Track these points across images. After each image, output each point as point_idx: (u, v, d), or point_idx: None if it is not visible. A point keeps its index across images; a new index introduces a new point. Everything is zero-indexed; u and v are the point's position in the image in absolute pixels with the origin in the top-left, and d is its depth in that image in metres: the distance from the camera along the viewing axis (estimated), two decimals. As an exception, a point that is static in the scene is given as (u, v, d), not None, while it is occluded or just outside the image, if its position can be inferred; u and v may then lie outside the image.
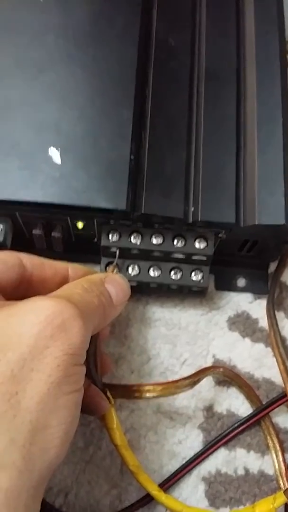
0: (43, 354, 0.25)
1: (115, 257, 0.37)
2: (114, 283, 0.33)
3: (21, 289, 0.32)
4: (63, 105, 0.36)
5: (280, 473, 0.38)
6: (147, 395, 0.35)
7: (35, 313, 0.26)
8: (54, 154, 0.35)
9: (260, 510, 0.34)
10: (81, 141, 0.35)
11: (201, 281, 0.38)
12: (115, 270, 0.37)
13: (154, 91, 0.38)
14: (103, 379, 0.35)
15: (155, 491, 0.35)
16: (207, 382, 0.39)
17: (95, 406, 0.33)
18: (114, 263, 0.37)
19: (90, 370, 0.33)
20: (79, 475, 0.37)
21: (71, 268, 0.34)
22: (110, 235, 0.36)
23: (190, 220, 0.36)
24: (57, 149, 0.35)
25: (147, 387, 0.35)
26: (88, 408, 0.33)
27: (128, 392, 0.35)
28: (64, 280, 0.33)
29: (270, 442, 0.38)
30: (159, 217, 0.36)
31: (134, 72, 0.38)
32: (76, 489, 0.36)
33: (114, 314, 0.33)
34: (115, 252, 0.37)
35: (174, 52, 0.39)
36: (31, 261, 0.32)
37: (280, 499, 0.34)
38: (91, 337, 0.32)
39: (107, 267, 0.37)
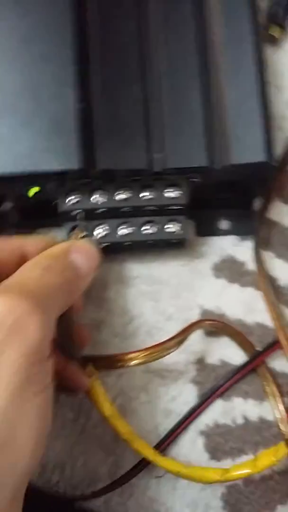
0: None
1: (79, 220, 0.33)
2: (80, 251, 0.30)
3: None
4: (-8, 53, 0.31)
5: (281, 418, 0.37)
6: (132, 363, 0.33)
7: None
8: (-11, 115, 0.30)
9: (262, 463, 0.33)
10: (18, 95, 0.31)
11: (179, 231, 0.35)
12: (81, 235, 0.33)
13: (96, 21, 0.33)
14: (84, 351, 0.34)
15: (152, 456, 0.34)
16: (196, 334, 0.37)
17: (76, 384, 0.32)
18: (78, 227, 0.33)
19: (65, 347, 0.31)
20: (72, 448, 0.36)
21: (29, 242, 0.30)
22: (69, 198, 0.33)
23: (158, 168, 0.32)
24: (-9, 109, 0.30)
25: (130, 355, 0.33)
26: (69, 387, 0.31)
27: (111, 363, 0.33)
28: (23, 258, 0.30)
29: (268, 388, 0.37)
30: (120, 171, 0.32)
31: (71, 1, 0.32)
32: (71, 462, 0.36)
33: (84, 286, 0.30)
34: (78, 215, 0.33)
35: None
36: None
37: (282, 450, 0.33)
38: (63, 314, 0.29)
39: (71, 233, 0.34)
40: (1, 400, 0.23)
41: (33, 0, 0.32)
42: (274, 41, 0.42)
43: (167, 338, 0.34)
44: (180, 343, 0.34)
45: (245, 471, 0.34)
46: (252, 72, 0.33)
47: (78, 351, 0.32)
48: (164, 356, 0.34)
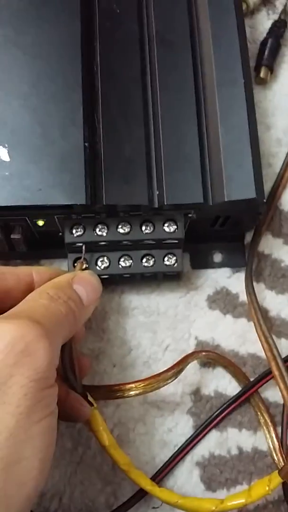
0: (8, 384, 0.24)
1: (82, 252, 0.35)
2: (83, 282, 0.31)
3: None
4: (5, 94, 0.33)
5: (274, 448, 0.37)
6: (130, 393, 0.33)
7: None
8: (1, 151, 0.32)
9: (255, 493, 0.34)
10: (29, 133, 0.33)
11: (175, 265, 0.36)
12: (83, 266, 0.35)
13: (102, 67, 0.35)
14: (83, 380, 0.34)
15: (149, 486, 0.34)
16: (191, 365, 0.38)
17: (77, 413, 0.32)
18: (81, 259, 0.35)
19: (67, 377, 0.32)
20: (71, 477, 0.36)
21: (36, 272, 0.32)
22: (74, 230, 0.34)
23: (156, 204, 0.34)
24: (3, 146, 0.32)
25: (129, 386, 0.33)
26: (70, 416, 0.32)
27: (110, 393, 0.34)
28: (30, 287, 0.31)
29: (261, 418, 0.38)
30: (123, 206, 0.33)
31: (79, 47, 0.34)
32: (69, 491, 0.36)
33: (86, 316, 0.32)
34: (81, 247, 0.35)
35: (120, 20, 0.36)
36: None
37: (275, 480, 0.34)
38: (65, 343, 0.30)
39: (75, 264, 0.35)
40: (10, 422, 0.24)
41: (46, 46, 0.34)
42: (264, 83, 0.44)
43: (165, 369, 0.34)
44: (177, 374, 0.35)
45: (240, 501, 0.34)
46: (243, 115, 0.35)
47: (80, 381, 0.33)
48: (162, 386, 0.34)
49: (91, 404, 0.33)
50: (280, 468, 0.34)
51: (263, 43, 0.45)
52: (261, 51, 0.45)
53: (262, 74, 0.44)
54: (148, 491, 0.34)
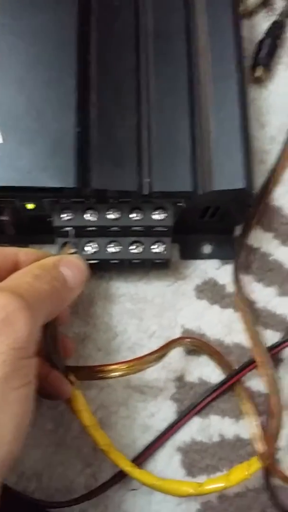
0: None
1: (70, 236, 0.36)
2: (70, 265, 0.32)
3: None
4: (1, 78, 0.34)
5: (255, 436, 0.38)
6: (112, 374, 0.34)
7: None
8: (-5, 132, 0.33)
9: (235, 478, 0.34)
10: (23, 116, 0.33)
11: (164, 252, 0.37)
12: (71, 251, 0.35)
13: (98, 55, 0.36)
14: (68, 361, 0.35)
15: (128, 467, 0.35)
16: (177, 352, 0.39)
17: (58, 391, 0.33)
18: (69, 243, 0.35)
19: (50, 355, 0.32)
20: (51, 458, 0.37)
21: (23, 252, 0.32)
22: (63, 214, 0.35)
23: (146, 191, 0.34)
24: (-3, 127, 0.33)
25: (111, 367, 0.34)
26: (51, 394, 0.32)
27: (92, 373, 0.35)
28: (16, 267, 0.32)
29: (244, 406, 0.38)
30: (112, 192, 0.34)
31: (75, 36, 0.35)
32: (49, 471, 0.36)
33: (71, 297, 0.32)
34: (70, 232, 0.35)
35: (117, 11, 0.37)
36: None
37: (255, 465, 0.34)
38: (49, 322, 0.31)
39: (63, 248, 0.36)
40: None
41: (42, 33, 0.35)
42: (260, 81, 0.45)
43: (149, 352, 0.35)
44: (160, 358, 0.35)
45: (219, 485, 0.34)
46: (235, 108, 0.36)
47: (62, 360, 0.33)
48: (144, 369, 0.35)
49: (72, 383, 0.33)
50: (260, 454, 0.35)
51: (261, 43, 0.46)
52: (258, 51, 0.46)
53: (258, 73, 0.45)
54: (127, 472, 0.35)
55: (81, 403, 0.34)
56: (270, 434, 0.35)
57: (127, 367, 0.34)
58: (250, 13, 0.47)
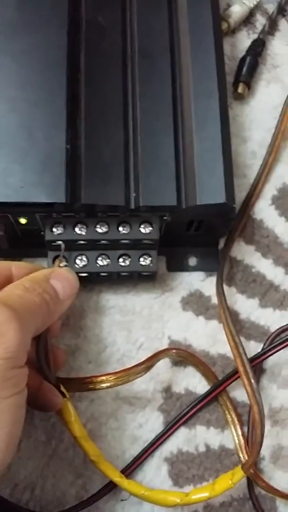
0: None
1: (61, 250, 0.36)
2: (60, 278, 0.33)
3: None
4: (-8, 97, 0.35)
5: (240, 446, 0.39)
6: (102, 385, 0.35)
7: None
8: (-14, 150, 0.34)
9: (219, 487, 0.35)
10: (14, 134, 0.34)
11: (150, 265, 0.38)
12: (62, 264, 0.36)
13: (86, 75, 0.37)
14: (59, 373, 0.35)
15: (117, 478, 0.35)
16: (164, 363, 0.40)
17: (49, 402, 0.33)
18: (60, 257, 0.36)
19: (41, 367, 0.33)
20: (43, 469, 0.37)
21: (15, 266, 0.33)
22: (54, 228, 0.36)
23: (133, 206, 0.35)
24: (-12, 145, 0.34)
25: (100, 378, 0.35)
26: (43, 405, 0.33)
27: (82, 385, 0.35)
28: (8, 280, 0.32)
29: (229, 416, 0.39)
30: (101, 206, 0.35)
31: (65, 56, 0.36)
32: (41, 483, 0.37)
33: (62, 309, 0.33)
34: (61, 245, 0.36)
35: (104, 32, 0.38)
36: None
37: (238, 474, 0.35)
38: (40, 334, 0.32)
39: (54, 261, 0.36)
40: None
41: (33, 53, 0.36)
42: (241, 98, 0.47)
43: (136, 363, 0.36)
44: (147, 369, 0.36)
45: (204, 494, 0.35)
46: (217, 126, 0.37)
47: (53, 372, 0.34)
48: (132, 380, 0.36)
49: (63, 394, 0.34)
50: (243, 463, 0.36)
51: (242, 60, 0.47)
52: (240, 68, 0.47)
53: (240, 90, 0.46)
54: (116, 483, 0.35)
55: (72, 414, 0.34)
56: (252, 443, 0.36)
57: (115, 378, 0.35)
58: (233, 31, 0.49)
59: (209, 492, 0.35)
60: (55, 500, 0.37)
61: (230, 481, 0.35)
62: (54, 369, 0.34)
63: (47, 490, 0.37)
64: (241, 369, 0.36)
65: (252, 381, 0.35)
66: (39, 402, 0.33)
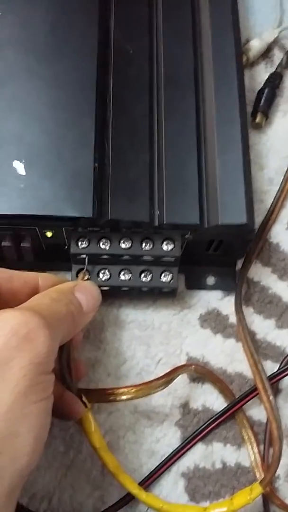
0: (9, 365, 0.26)
1: (85, 263, 0.38)
2: (84, 291, 0.34)
3: None
4: (26, 117, 0.37)
5: (256, 464, 0.39)
6: (122, 397, 0.35)
7: (1, 325, 0.27)
8: (18, 166, 0.35)
9: (238, 502, 0.35)
10: (45, 152, 0.36)
11: (171, 281, 0.39)
12: (85, 277, 0.37)
13: (114, 99, 0.39)
14: (79, 384, 0.36)
15: (136, 490, 0.36)
16: (182, 379, 0.40)
17: (71, 411, 0.34)
18: (84, 270, 0.37)
19: (64, 376, 0.34)
20: (61, 480, 0.37)
21: (41, 278, 0.34)
22: (79, 242, 0.37)
23: (156, 223, 0.37)
24: (21, 161, 0.35)
25: (121, 390, 0.36)
26: (64, 414, 0.34)
27: (103, 396, 0.36)
28: (34, 291, 0.34)
29: (245, 434, 0.40)
30: (126, 222, 0.36)
31: (94, 81, 0.38)
32: (59, 493, 0.37)
33: (85, 321, 0.34)
34: (85, 259, 0.37)
35: (132, 59, 0.40)
36: None
37: (257, 490, 0.35)
38: (64, 344, 0.33)
39: (78, 274, 0.38)
40: (8, 399, 0.26)
41: (65, 77, 0.38)
42: (259, 127, 0.48)
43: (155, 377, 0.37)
44: (167, 383, 0.37)
45: (222, 509, 0.35)
46: (239, 151, 0.39)
47: (75, 382, 0.35)
48: (152, 394, 0.36)
49: (85, 404, 0.34)
50: (261, 479, 0.36)
51: (260, 92, 0.49)
52: (258, 99, 0.49)
53: (258, 119, 0.48)
54: (134, 495, 0.36)
55: (92, 425, 0.35)
56: (272, 460, 0.36)
57: (135, 391, 0.36)
58: (251, 64, 0.51)
59: (228, 507, 0.35)
60: (72, 511, 0.37)
61: (249, 497, 0.35)
62: (75, 379, 0.35)
63: (64, 501, 0.37)
64: (260, 386, 0.37)
65: (271, 397, 0.36)
66: (60, 411, 0.33)
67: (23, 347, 0.27)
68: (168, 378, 0.37)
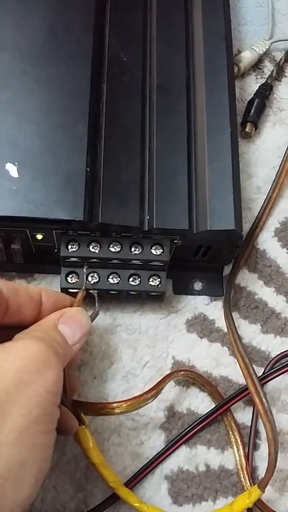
0: (27, 389, 0.26)
1: (75, 266, 0.38)
2: (70, 321, 0.33)
3: None
4: (20, 121, 0.37)
5: (241, 466, 0.39)
6: (115, 411, 0.35)
7: (21, 350, 0.27)
8: (11, 168, 0.36)
9: (237, 507, 0.36)
10: (38, 155, 0.37)
11: (159, 286, 0.40)
12: (84, 294, 0.37)
13: (108, 105, 0.39)
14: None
15: (137, 503, 0.36)
16: (168, 383, 0.40)
17: (66, 426, 0.33)
18: (82, 288, 0.37)
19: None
20: (44, 481, 0.37)
21: (44, 293, 0.34)
22: (69, 246, 0.37)
23: (146, 227, 0.37)
24: (14, 164, 0.36)
25: (113, 405, 0.35)
26: (60, 429, 0.33)
27: (96, 410, 0.36)
28: (38, 306, 0.34)
29: (232, 436, 0.40)
30: (116, 226, 0.37)
31: (88, 87, 0.39)
32: (42, 494, 0.37)
33: (72, 353, 0.33)
34: (75, 262, 0.38)
35: (126, 67, 0.41)
36: (6, 287, 0.32)
37: (255, 493, 0.36)
38: None
39: (78, 294, 0.37)
40: (22, 425, 0.26)
41: (59, 82, 0.39)
42: (248, 137, 0.49)
43: (146, 390, 0.37)
44: (156, 394, 0.37)
45: None
46: (228, 158, 0.40)
47: (70, 397, 0.35)
48: (142, 406, 0.36)
49: (82, 422, 0.35)
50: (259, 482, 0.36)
51: (250, 102, 0.50)
52: (248, 109, 0.50)
53: (247, 129, 0.49)
54: (136, 508, 0.36)
55: (90, 441, 0.35)
56: (268, 462, 0.36)
57: (127, 406, 0.35)
58: (242, 75, 0.52)
59: None
60: (56, 513, 0.37)
61: (248, 500, 0.36)
62: (71, 395, 0.35)
63: (47, 502, 0.37)
64: (252, 389, 0.37)
65: (264, 400, 0.36)
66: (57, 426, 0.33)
67: (42, 372, 0.27)
68: (158, 388, 0.37)
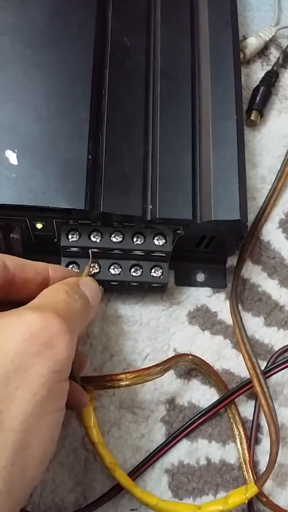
0: (29, 372, 0.25)
1: (75, 257, 0.37)
2: (88, 286, 0.33)
3: (3, 290, 0.31)
4: (20, 106, 0.36)
5: (244, 460, 0.39)
6: (121, 383, 0.35)
7: (21, 329, 0.26)
8: (11, 155, 0.35)
9: (233, 501, 0.35)
10: (38, 142, 0.35)
11: (161, 277, 0.39)
12: (94, 271, 0.37)
13: (110, 91, 0.38)
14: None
15: (131, 487, 0.36)
16: (168, 375, 0.40)
17: (76, 401, 0.33)
18: (89, 263, 0.37)
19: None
20: (44, 474, 0.37)
21: (52, 268, 0.34)
22: (70, 235, 0.37)
23: (149, 217, 0.36)
24: (13, 151, 0.35)
25: (119, 376, 0.35)
26: (68, 403, 0.33)
27: (101, 382, 0.36)
28: (45, 281, 0.33)
29: (236, 429, 0.39)
30: (118, 216, 0.36)
31: (90, 72, 0.38)
32: (40, 488, 0.37)
33: (92, 316, 0.33)
34: (76, 252, 0.37)
35: (129, 52, 0.40)
36: (13, 262, 0.31)
37: (252, 489, 0.36)
38: None
39: (84, 269, 0.37)
40: (27, 408, 0.25)
41: (60, 66, 0.38)
42: (253, 125, 0.48)
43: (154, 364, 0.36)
44: (164, 371, 0.37)
45: (218, 507, 0.36)
46: (233, 146, 0.39)
47: (78, 372, 0.34)
48: (150, 380, 0.36)
49: (89, 393, 0.34)
50: (256, 479, 0.36)
51: (256, 90, 0.49)
52: (253, 97, 0.49)
53: (252, 117, 0.48)
54: (129, 491, 0.36)
55: (92, 419, 0.35)
56: (268, 462, 0.36)
57: (133, 377, 0.35)
58: (248, 62, 0.51)
59: (223, 505, 0.35)
60: (54, 506, 0.36)
61: (244, 496, 0.35)
62: (79, 370, 0.35)
63: (46, 495, 0.37)
64: (258, 389, 0.37)
65: (269, 401, 0.36)
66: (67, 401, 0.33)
67: (44, 353, 0.26)
68: (166, 365, 0.37)
